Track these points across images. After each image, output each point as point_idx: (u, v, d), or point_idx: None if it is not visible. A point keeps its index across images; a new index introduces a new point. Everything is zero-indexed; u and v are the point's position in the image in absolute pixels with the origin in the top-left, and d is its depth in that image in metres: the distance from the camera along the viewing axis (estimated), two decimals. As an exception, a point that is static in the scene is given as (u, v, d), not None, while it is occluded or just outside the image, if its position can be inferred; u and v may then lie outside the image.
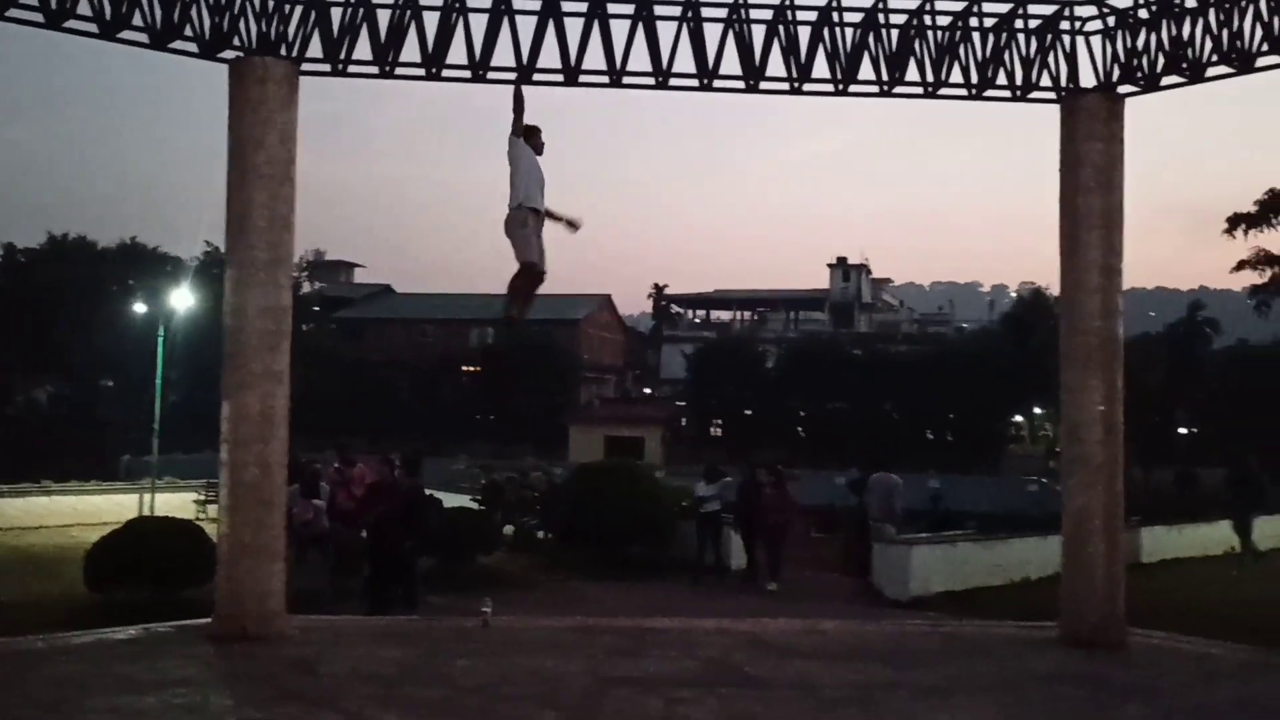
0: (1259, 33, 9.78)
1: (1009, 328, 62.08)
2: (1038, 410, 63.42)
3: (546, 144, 9.60)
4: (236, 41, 10.00)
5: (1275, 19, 9.66)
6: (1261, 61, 9.96)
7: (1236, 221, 28.62)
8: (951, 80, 10.83)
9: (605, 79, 10.48)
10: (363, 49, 10.28)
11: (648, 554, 18.57)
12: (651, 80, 10.48)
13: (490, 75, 10.46)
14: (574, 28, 10.37)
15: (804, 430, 61.91)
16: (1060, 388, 10.99)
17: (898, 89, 10.86)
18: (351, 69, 10.37)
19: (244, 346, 10.04)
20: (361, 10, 10.21)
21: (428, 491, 14.79)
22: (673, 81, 10.59)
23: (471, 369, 67.96)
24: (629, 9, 10.40)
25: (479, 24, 10.31)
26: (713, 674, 9.02)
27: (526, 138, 9.38)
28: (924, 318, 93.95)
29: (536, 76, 10.31)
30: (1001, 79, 10.88)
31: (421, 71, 10.41)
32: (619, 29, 10.40)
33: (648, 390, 78.91)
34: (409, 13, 10.23)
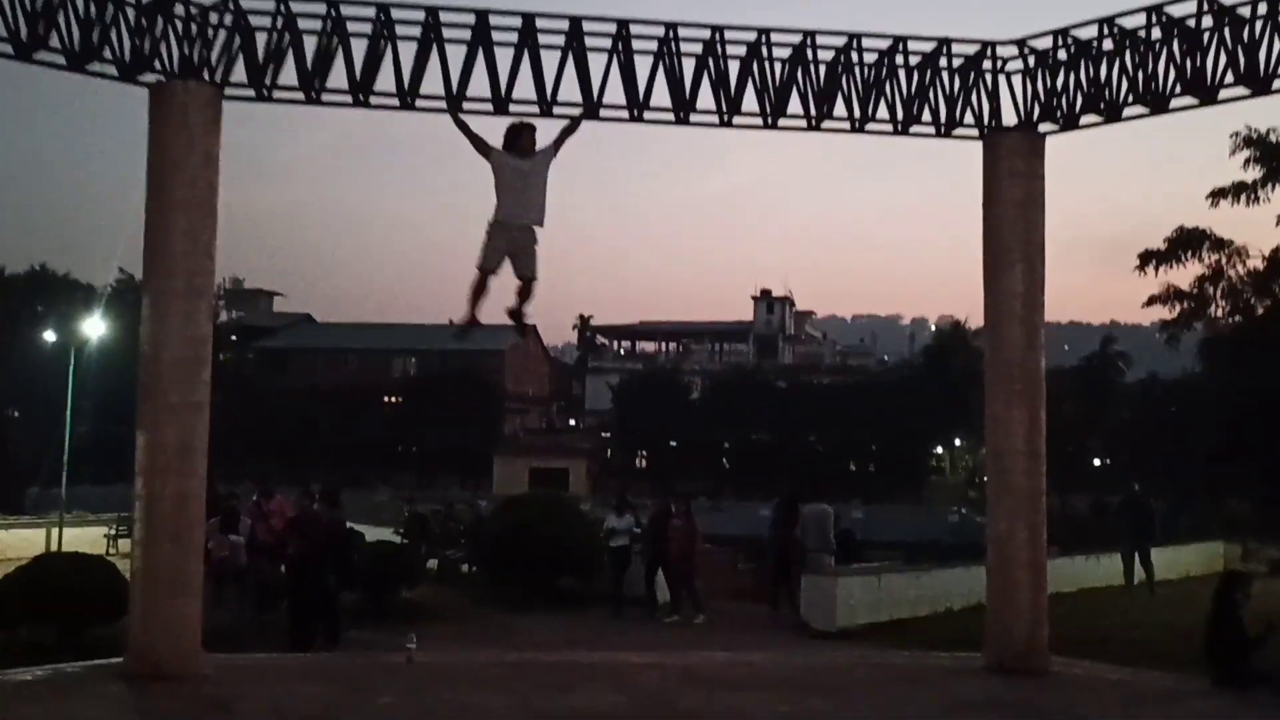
0: (1172, 74, 10.09)
1: (930, 360, 63.14)
2: (958, 441, 64.46)
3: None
4: (158, 65, 9.78)
5: (1188, 61, 9.98)
6: (1175, 103, 10.28)
7: (1148, 258, 29.40)
8: (878, 116, 11.00)
9: (535, 108, 10.45)
10: (289, 75, 10.15)
11: (575, 586, 18.41)
12: (581, 110, 10.48)
13: (420, 103, 10.39)
14: (505, 57, 10.36)
15: (729, 461, 62.18)
16: (984, 418, 11.15)
17: (826, 123, 10.99)
18: (277, 94, 10.22)
19: (161, 376, 9.77)
20: (287, 35, 10.07)
21: (349, 525, 14.52)
22: (603, 112, 10.60)
23: (394, 399, 67.20)
24: (559, 39, 10.41)
25: (408, 51, 10.25)
26: (645, 709, 8.94)
27: (510, 142, 9.09)
28: (846, 350, 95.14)
29: (466, 105, 10.25)
30: (926, 116, 11.08)
31: (349, 99, 10.30)
32: (549, 59, 10.41)
33: (573, 421, 78.72)
34: (335, 39, 10.12)
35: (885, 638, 15.17)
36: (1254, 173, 28.22)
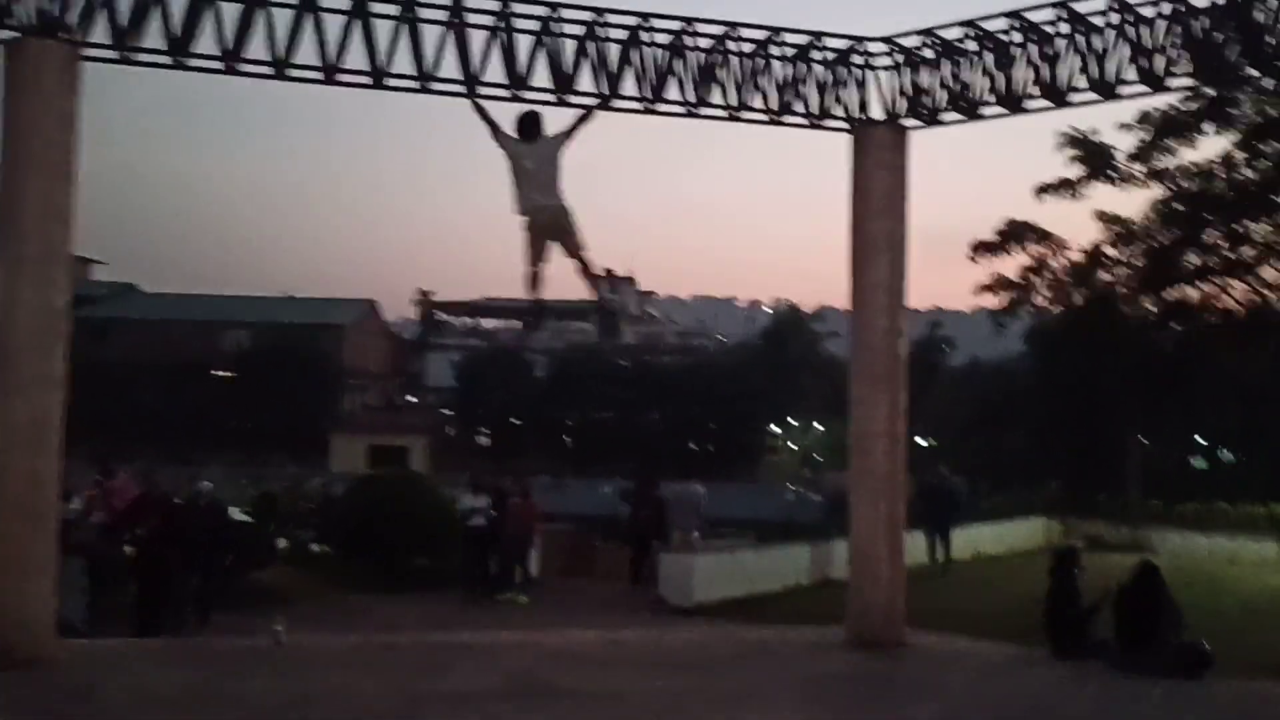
0: (1030, 76, 10.63)
1: (768, 342, 64.59)
2: (794, 421, 66.22)
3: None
4: (14, 21, 9.23)
5: (1044, 65, 10.53)
6: (1030, 104, 10.85)
7: (979, 248, 30.71)
8: (754, 105, 11.24)
9: (368, 79, 10.20)
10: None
11: (432, 566, 18.25)
12: (416, 84, 10.27)
13: (291, 72, 10.10)
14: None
15: (571, 440, 62.32)
16: (849, 401, 11.56)
17: (704, 110, 11.17)
18: (142, 58, 9.76)
19: (13, 348, 9.27)
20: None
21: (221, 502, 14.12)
22: (437, 86, 10.39)
23: (225, 374, 64.83)
24: (394, 8, 10.20)
25: (284, 18, 9.94)
26: (522, 687, 8.99)
27: (522, 129, 9.08)
28: (686, 330, 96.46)
29: (293, 73, 9.96)
30: (799, 107, 11.38)
31: (221, 65, 9.92)
32: (383, 29, 10.15)
33: (413, 399, 77.48)
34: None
35: (740, 613, 15.57)
36: (1076, 170, 29.85)
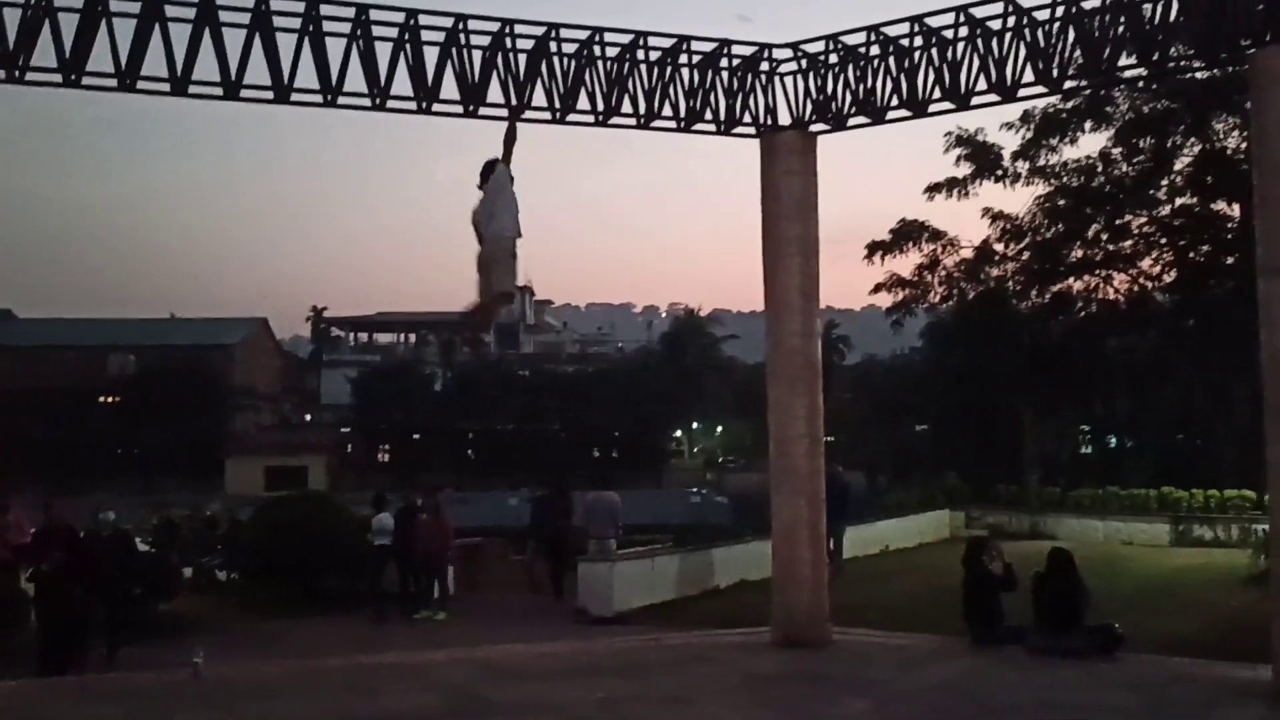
0: (931, 79, 10.90)
1: (668, 347, 65.00)
2: (696, 425, 66.75)
3: None
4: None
5: (945, 69, 10.80)
6: (934, 107, 11.12)
7: (875, 248, 31.38)
8: (663, 113, 11.30)
9: (218, 90, 9.84)
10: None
11: (344, 588, 17.91)
12: (270, 95, 9.98)
13: (140, 85, 9.73)
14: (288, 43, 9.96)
15: (473, 451, 61.84)
16: (767, 403, 11.69)
17: (614, 119, 11.19)
18: (36, 77, 9.39)
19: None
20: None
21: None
22: (391, 104, 10.30)
23: (110, 399, 62.78)
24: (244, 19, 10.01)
25: (180, 34, 9.66)
26: (459, 705, 8.88)
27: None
28: (585, 338, 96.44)
29: (140, 84, 9.64)
30: (708, 114, 11.48)
31: (114, 82, 9.58)
32: (232, 39, 9.90)
33: (309, 417, 75.99)
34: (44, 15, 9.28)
35: (661, 619, 15.57)
36: (964, 169, 30.73)
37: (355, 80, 10.29)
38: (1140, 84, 25.05)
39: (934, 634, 12.12)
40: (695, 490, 53.06)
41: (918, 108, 11.14)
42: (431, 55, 10.49)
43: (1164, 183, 29.35)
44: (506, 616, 17.03)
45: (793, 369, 11.44)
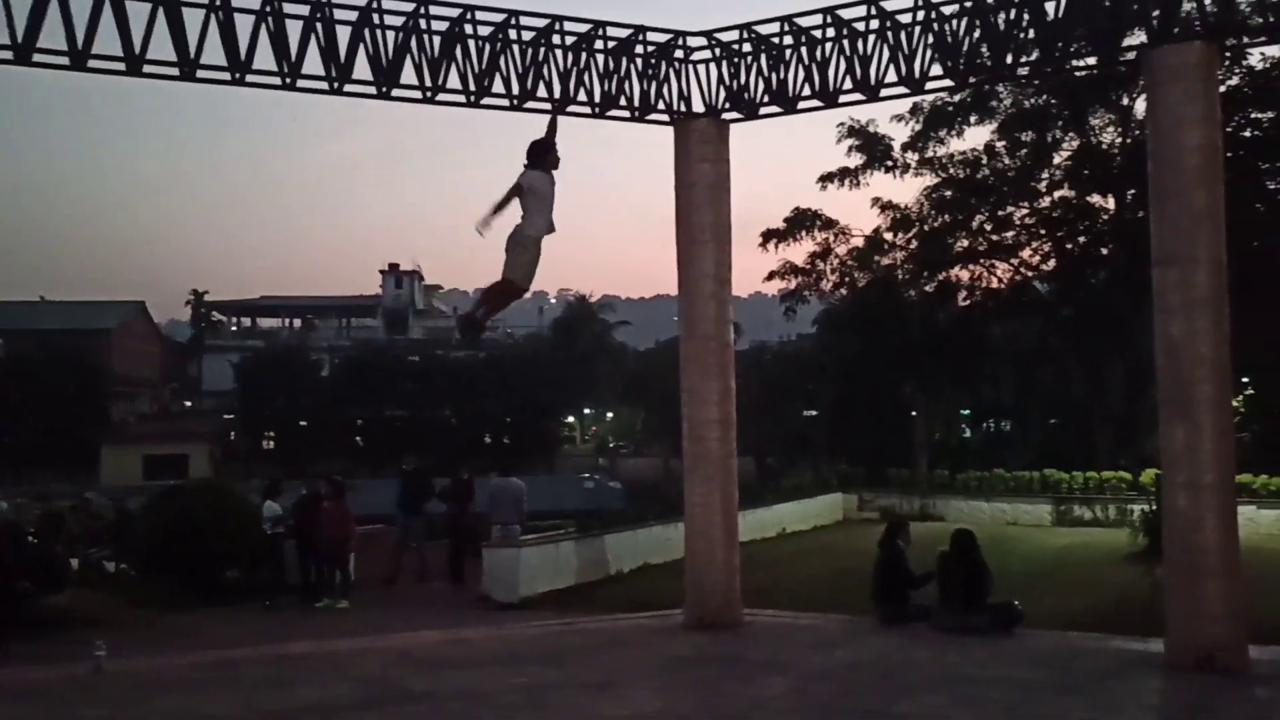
0: (842, 69, 11.09)
1: (559, 332, 64.82)
2: (588, 410, 66.77)
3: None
4: None
5: (856, 61, 11.00)
6: (844, 98, 11.32)
7: (769, 236, 31.79)
8: (578, 99, 11.28)
9: (120, 65, 9.53)
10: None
11: (241, 578, 17.50)
12: (176, 71, 9.69)
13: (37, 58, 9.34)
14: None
15: (362, 439, 60.80)
16: (680, 389, 11.78)
17: (529, 104, 11.13)
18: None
19: None
20: None
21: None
22: (202, 74, 9.94)
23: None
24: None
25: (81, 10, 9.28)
26: (377, 694, 8.77)
27: (540, 158, 8.79)
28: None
29: (37, 58, 9.31)
30: (622, 100, 11.50)
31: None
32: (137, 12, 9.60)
33: (189, 404, 73.74)
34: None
35: (566, 604, 15.59)
36: (856, 159, 31.33)
37: (264, 59, 10.08)
38: (1030, 80, 25.88)
39: (841, 614, 12.40)
40: (588, 476, 53.12)
41: (829, 98, 11.33)
42: (344, 35, 10.32)
43: (1044, 175, 30.38)
44: (409, 605, 16.81)
45: (706, 354, 11.56)
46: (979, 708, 8.13)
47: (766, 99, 11.51)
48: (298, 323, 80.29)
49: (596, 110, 11.41)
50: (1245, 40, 13.91)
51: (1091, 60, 11.37)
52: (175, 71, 9.75)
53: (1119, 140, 29.32)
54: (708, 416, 11.49)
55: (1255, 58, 26.05)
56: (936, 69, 10.73)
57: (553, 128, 9.39)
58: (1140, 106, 28.46)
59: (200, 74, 9.85)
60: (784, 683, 8.96)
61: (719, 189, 11.69)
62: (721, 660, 9.91)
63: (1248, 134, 26.17)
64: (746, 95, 11.59)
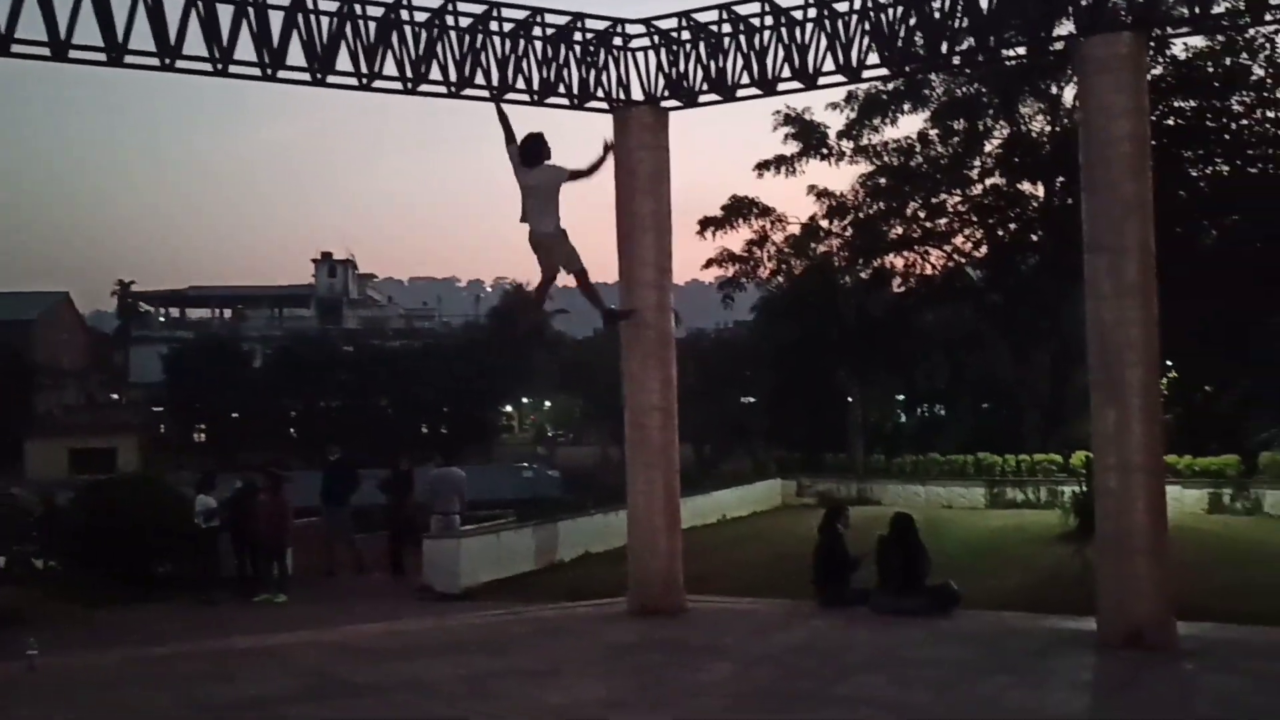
0: (780, 58, 11.15)
1: (496, 321, 64.51)
2: (525, 399, 66.55)
3: None
4: None
5: (794, 49, 11.07)
6: (782, 86, 11.39)
7: (707, 224, 31.90)
8: (517, 86, 11.22)
9: (45, 50, 9.28)
10: None
11: (174, 572, 17.22)
12: (104, 55, 9.46)
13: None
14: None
15: (296, 430, 60.09)
16: (622, 376, 11.80)
17: (467, 90, 11.05)
18: None
19: None
20: None
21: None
22: (131, 59, 9.72)
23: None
24: None
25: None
26: (319, 687, 8.70)
27: (524, 152, 9.57)
28: (410, 312, 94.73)
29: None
30: (561, 87, 11.46)
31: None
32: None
33: (116, 396, 72.30)
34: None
35: (508, 594, 15.59)
36: (792, 147, 31.53)
37: (195, 44, 9.89)
38: (963, 69, 26.24)
39: (781, 599, 12.54)
40: (526, 464, 53.04)
41: (767, 86, 11.39)
42: (277, 20, 10.16)
43: (975, 163, 30.83)
44: (349, 597, 16.69)
45: (646, 342, 11.58)
46: (917, 687, 8.28)
47: (705, 87, 11.53)
48: (228, 313, 79.04)
49: (535, 98, 11.35)
50: (1169, 31, 14.19)
51: (1023, 50, 11.54)
52: (103, 56, 9.55)
53: (1048, 129, 29.84)
54: (649, 404, 11.52)
55: (1178, 47, 26.69)
56: (873, 58, 10.84)
57: (502, 119, 9.67)
58: (1069, 95, 29.04)
59: (129, 59, 9.65)
60: (726, 667, 9.05)
61: (659, 177, 11.71)
62: (665, 646, 9.97)
63: (1171, 123, 26.74)
64: (686, 83, 11.61)
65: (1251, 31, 25.34)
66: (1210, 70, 26.98)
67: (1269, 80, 27.35)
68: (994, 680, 8.44)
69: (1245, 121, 28.11)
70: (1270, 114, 27.97)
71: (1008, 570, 15.62)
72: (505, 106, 10.81)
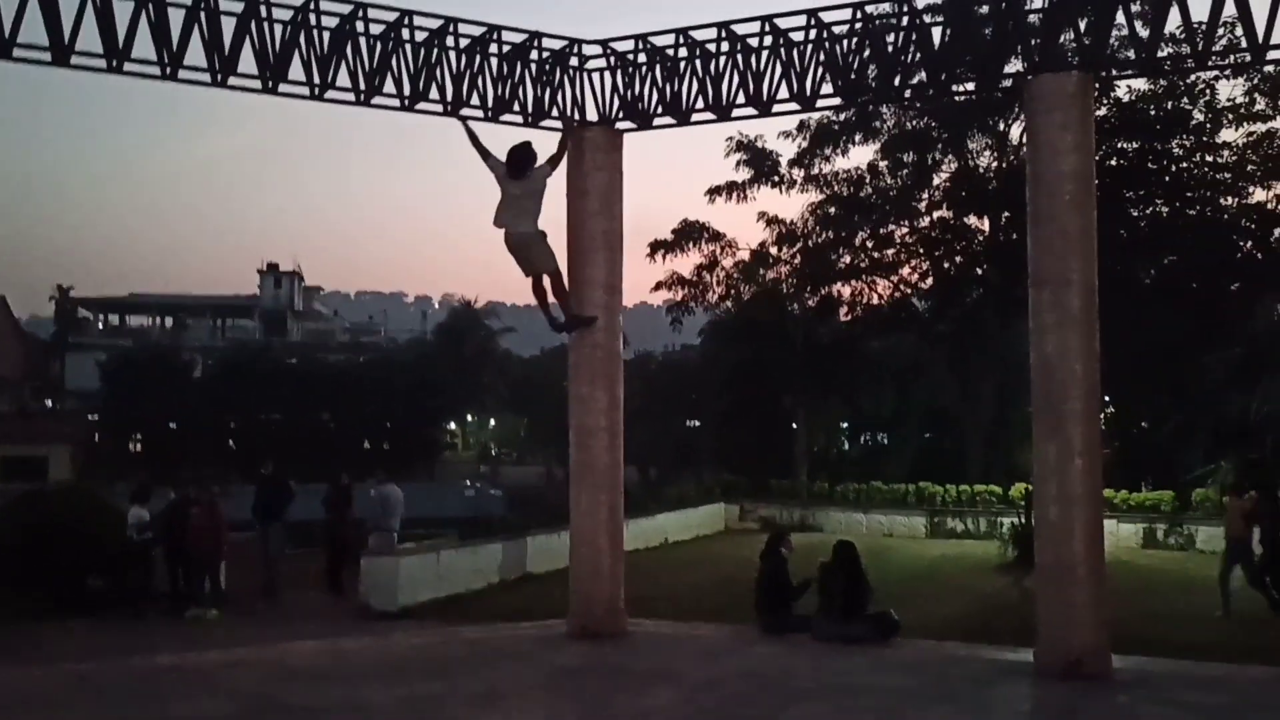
0: (735, 83, 11.20)
1: (443, 338, 64.09)
2: (470, 417, 66.10)
3: None
4: None
5: (749, 75, 11.13)
6: (737, 112, 11.45)
7: (657, 247, 31.99)
8: (471, 103, 11.17)
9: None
10: None
11: (108, 586, 16.78)
12: (48, 56, 9.30)
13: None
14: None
15: (236, 443, 59.11)
16: (569, 397, 11.73)
17: (420, 105, 10.98)
18: None
19: None
20: None
21: None
22: (78, 60, 9.55)
23: None
24: None
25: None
26: (256, 709, 8.51)
27: (514, 163, 9.77)
28: (356, 327, 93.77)
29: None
30: (516, 105, 11.42)
31: None
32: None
33: (50, 403, 70.68)
34: None
35: (447, 614, 15.40)
36: (744, 174, 31.75)
37: (144, 48, 9.74)
38: (914, 102, 26.59)
39: (723, 624, 12.50)
40: (469, 483, 52.67)
41: (722, 111, 11.43)
42: (229, 26, 10.04)
43: (924, 196, 31.23)
44: (284, 615, 16.40)
45: (594, 362, 11.52)
46: (861, 715, 8.27)
47: (660, 109, 11.55)
48: (169, 321, 77.74)
49: (489, 114, 11.31)
50: (1115, 73, 14.47)
51: (972, 85, 11.68)
52: (48, 56, 9.38)
53: (995, 164, 30.33)
54: (595, 425, 11.46)
55: (1122, 90, 27.26)
56: (827, 87, 10.93)
57: (471, 136, 9.75)
58: (1016, 132, 29.55)
59: (75, 60, 9.48)
60: (671, 693, 8.97)
61: (611, 197, 11.69)
62: (608, 670, 9.89)
63: (1113, 163, 27.27)
64: (641, 105, 11.62)
65: (1193, 77, 25.95)
66: (1152, 113, 27.59)
67: (1208, 124, 28.03)
68: (936, 709, 8.47)
69: (1185, 164, 28.77)
70: (1209, 157, 28.66)
71: (948, 599, 15.74)
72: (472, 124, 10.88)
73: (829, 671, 9.77)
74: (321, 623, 15.01)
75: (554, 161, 9.81)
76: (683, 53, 11.36)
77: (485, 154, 9.86)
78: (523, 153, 9.62)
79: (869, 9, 10.76)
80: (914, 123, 30.17)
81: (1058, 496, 9.71)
